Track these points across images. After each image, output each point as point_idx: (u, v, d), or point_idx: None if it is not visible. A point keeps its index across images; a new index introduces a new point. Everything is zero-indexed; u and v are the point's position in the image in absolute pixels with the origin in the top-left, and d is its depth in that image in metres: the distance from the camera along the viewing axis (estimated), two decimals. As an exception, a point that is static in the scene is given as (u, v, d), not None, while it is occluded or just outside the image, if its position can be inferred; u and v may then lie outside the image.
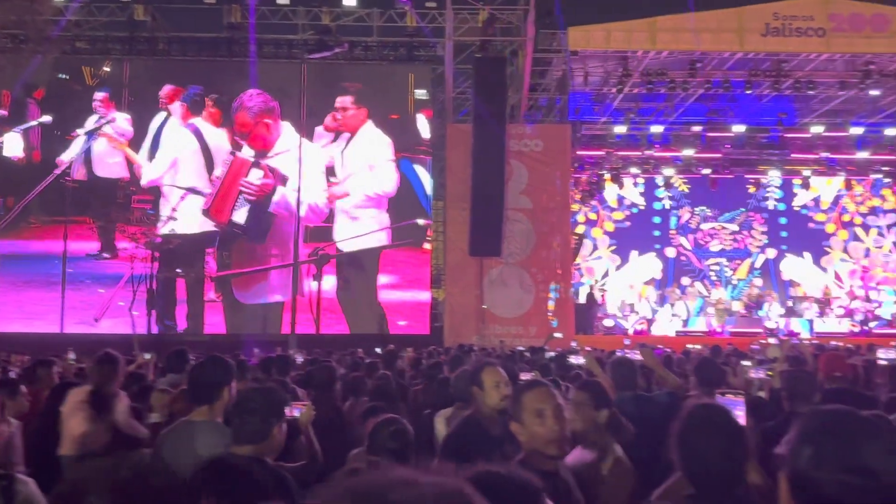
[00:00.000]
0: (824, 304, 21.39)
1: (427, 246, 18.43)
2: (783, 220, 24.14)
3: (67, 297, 17.63)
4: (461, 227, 17.22)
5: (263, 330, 17.03)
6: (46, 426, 4.16)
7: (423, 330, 17.59)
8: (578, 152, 21.21)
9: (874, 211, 24.21)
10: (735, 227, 23.90)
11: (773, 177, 23.48)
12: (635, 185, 24.01)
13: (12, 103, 18.30)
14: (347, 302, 17.74)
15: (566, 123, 18.64)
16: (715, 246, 23.79)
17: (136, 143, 18.24)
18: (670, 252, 23.91)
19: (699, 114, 21.52)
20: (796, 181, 23.83)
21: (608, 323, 20.57)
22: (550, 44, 18.20)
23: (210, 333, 17.33)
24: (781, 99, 20.68)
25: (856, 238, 24.02)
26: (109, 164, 18.21)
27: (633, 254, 23.96)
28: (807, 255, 23.89)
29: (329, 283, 17.83)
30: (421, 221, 18.16)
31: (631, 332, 20.02)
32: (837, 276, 23.58)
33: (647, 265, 23.86)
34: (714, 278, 23.23)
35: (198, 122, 18.17)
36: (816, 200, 24.14)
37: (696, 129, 21.24)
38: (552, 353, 9.80)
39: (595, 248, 23.96)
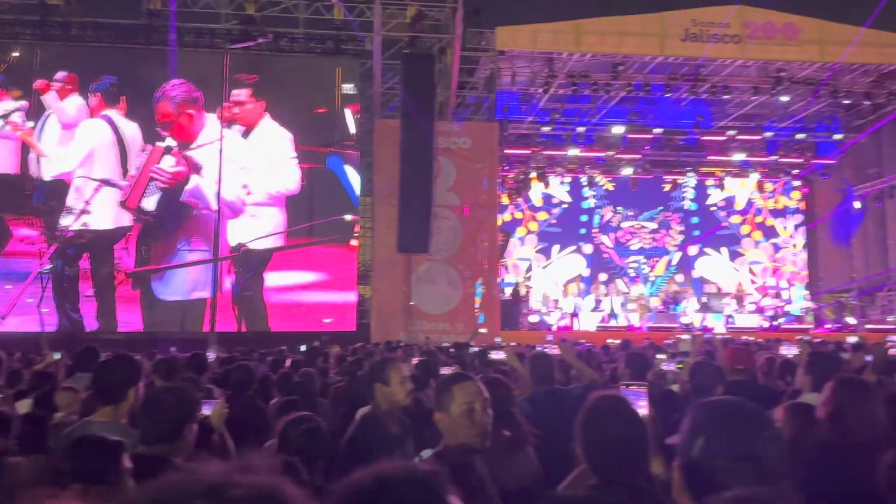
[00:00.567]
0: (737, 300, 22.36)
1: (354, 242, 18.27)
2: (698, 220, 25.15)
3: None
4: (389, 224, 17.13)
5: (183, 328, 16.51)
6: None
7: (350, 327, 17.43)
8: (506, 151, 21.47)
9: (784, 211, 25.53)
10: (654, 226, 24.72)
11: (690, 177, 24.42)
12: (562, 183, 24.54)
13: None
14: (242, 300, 17.35)
15: (494, 122, 18.78)
16: (635, 244, 24.55)
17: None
18: (593, 250, 24.53)
19: (621, 115, 22.13)
20: (709, 182, 24.85)
21: (533, 319, 20.88)
22: (479, 42, 18.33)
23: (125, 331, 16.68)
24: (698, 103, 21.50)
25: (767, 237, 25.27)
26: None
27: (558, 251, 24.47)
28: (722, 252, 24.95)
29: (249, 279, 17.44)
30: (348, 217, 17.98)
31: (555, 327, 20.42)
32: (751, 273, 24.76)
33: (571, 262, 24.39)
34: (634, 275, 23.98)
35: (112, 113, 17.43)
36: (731, 201, 25.23)
37: (618, 130, 21.84)
38: (475, 349, 9.89)
39: (521, 244, 24.36)
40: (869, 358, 4.99)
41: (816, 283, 24.70)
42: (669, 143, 22.81)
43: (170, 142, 17.36)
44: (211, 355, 7.58)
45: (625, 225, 24.57)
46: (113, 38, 17.84)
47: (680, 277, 23.23)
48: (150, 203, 17.13)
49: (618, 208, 24.51)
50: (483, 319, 17.71)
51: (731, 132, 22.07)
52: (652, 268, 24.32)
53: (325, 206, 17.79)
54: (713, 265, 24.87)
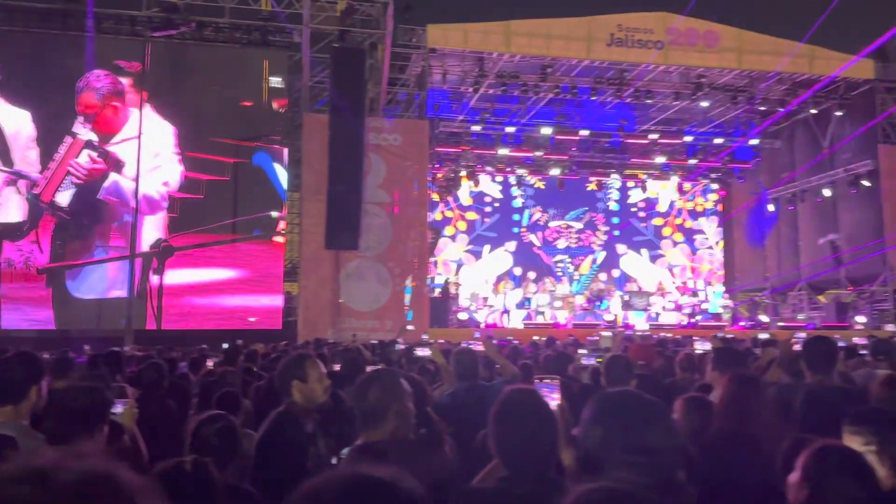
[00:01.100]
0: (658, 298, 23.10)
1: (280, 239, 17.95)
2: (618, 220, 25.89)
3: None
4: (317, 220, 16.86)
5: (98, 326, 15.85)
6: None
7: (276, 325, 17.11)
8: (437, 149, 21.52)
9: (702, 213, 26.55)
10: (580, 226, 25.32)
11: (615, 179, 25.12)
12: (494, 181, 24.81)
13: None
14: (162, 299, 16.77)
15: (424, 119, 18.76)
16: (561, 243, 25.07)
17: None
18: (522, 248, 24.85)
19: (549, 117, 22.54)
20: (630, 183, 25.65)
21: (462, 316, 21.00)
22: (410, 39, 18.29)
23: (38, 329, 15.88)
24: (623, 106, 22.11)
25: (686, 238, 26.24)
26: None
27: (488, 249, 24.71)
28: (642, 253, 25.77)
29: (172, 277, 16.89)
30: (275, 214, 17.64)
31: (483, 324, 20.62)
32: (671, 273, 25.65)
33: (500, 260, 24.66)
34: (560, 274, 24.48)
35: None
36: (653, 202, 26.08)
37: (546, 131, 22.23)
38: (402, 346, 9.90)
39: (453, 242, 24.48)
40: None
41: (732, 282, 25.80)
42: (595, 145, 23.38)
43: (90, 135, 16.62)
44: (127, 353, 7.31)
45: (552, 224, 25.06)
46: (26, 22, 16.93)
47: (603, 276, 23.82)
48: (63, 198, 16.35)
49: (547, 210, 24.97)
50: (412, 317, 17.67)
51: (654, 136, 22.79)
52: (577, 266, 24.88)
53: (250, 202, 17.40)
54: (636, 264, 25.65)
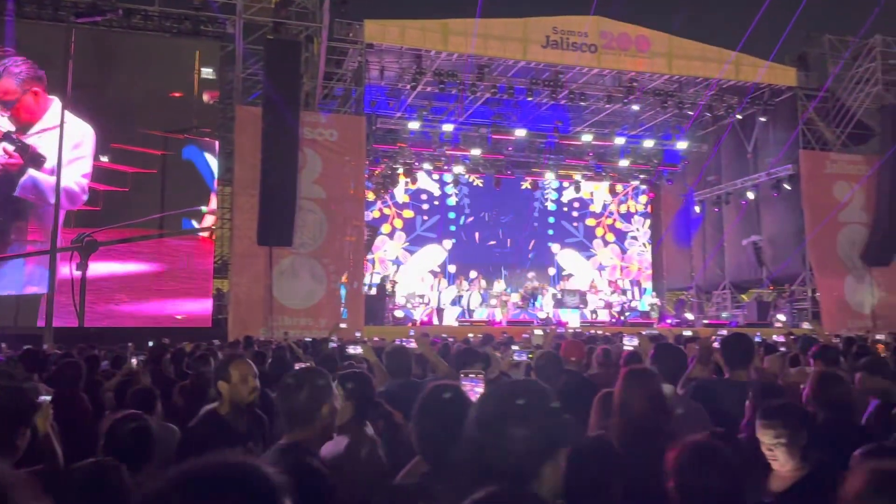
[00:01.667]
0: (591, 296, 23.59)
1: (209, 235, 17.50)
2: (555, 220, 26.32)
3: None
4: (249, 215, 16.52)
5: (15, 323, 15.12)
6: None
7: (205, 323, 16.69)
8: (374, 146, 21.40)
9: (633, 214, 27.26)
10: (515, 225, 25.63)
11: (550, 179, 25.54)
12: (431, 178, 24.82)
13: None
14: (84, 294, 16.10)
15: (361, 115, 18.63)
16: (497, 241, 25.34)
17: None
18: (458, 247, 24.97)
19: (486, 116, 22.73)
20: (565, 184, 26.13)
21: (399, 314, 20.93)
22: (347, 34, 18.10)
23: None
24: (558, 108, 22.48)
25: (617, 238, 26.91)
26: None
27: (425, 246, 24.73)
28: (577, 252, 26.29)
29: (96, 273, 16.24)
30: (204, 208, 17.20)
31: (418, 322, 20.64)
32: (599, 273, 26.24)
33: (436, 258, 24.72)
34: (496, 272, 24.67)
35: None
36: (587, 203, 26.63)
37: (483, 130, 22.39)
38: (335, 344, 9.84)
39: (391, 240, 24.40)
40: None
41: (660, 281, 26.60)
42: (531, 145, 23.69)
43: (6, 125, 15.80)
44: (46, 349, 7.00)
45: (488, 222, 25.29)
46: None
47: (531, 274, 24.16)
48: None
49: (481, 206, 25.17)
50: (347, 315, 17.52)
51: (587, 137, 23.25)
52: (513, 265, 25.17)
53: (179, 196, 16.91)
54: (569, 263, 26.14)
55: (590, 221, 26.62)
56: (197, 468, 1.02)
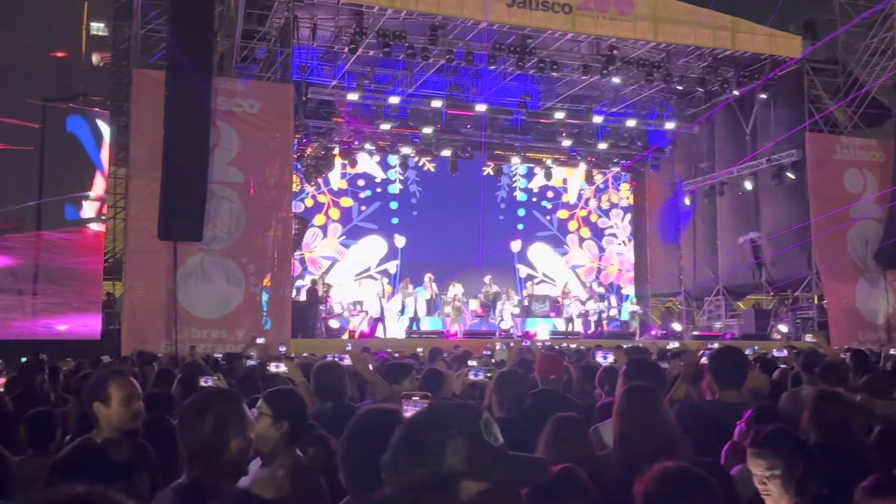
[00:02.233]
0: (561, 303, 23.76)
1: (98, 227, 17.11)
2: (523, 212, 26.45)
3: None
4: (149, 203, 16.11)
5: None
6: None
7: (93, 334, 16.29)
8: (304, 120, 21.16)
9: (612, 206, 27.54)
10: (475, 217, 25.65)
11: (516, 164, 25.64)
12: (378, 163, 24.77)
13: None
14: None
15: (289, 83, 18.36)
16: (450, 237, 25.33)
17: None
18: (406, 243, 24.96)
19: (440, 88, 22.66)
20: (537, 170, 26.31)
21: (334, 324, 20.82)
22: (271, -16, 17.88)
23: None
24: (525, 79, 22.54)
25: (594, 234, 27.17)
26: None
27: (365, 243, 24.60)
28: (547, 250, 26.45)
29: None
30: (92, 195, 16.81)
31: (357, 334, 20.47)
32: (576, 274, 26.45)
33: (378, 255, 24.72)
34: (453, 274, 24.66)
35: None
36: (559, 192, 26.80)
37: (437, 105, 22.32)
38: (253, 361, 9.75)
39: (324, 236, 24.19)
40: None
41: (644, 284, 26.96)
42: (493, 123, 23.73)
43: None
44: None
45: (442, 214, 25.27)
46: None
47: (488, 278, 24.19)
48: None
49: (435, 199, 25.14)
50: (271, 326, 17.30)
51: (559, 115, 23.38)
52: (471, 265, 25.18)
53: (61, 179, 16.50)
54: (540, 262, 26.30)
55: (562, 214, 26.84)
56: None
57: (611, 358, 6.73)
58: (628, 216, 27.63)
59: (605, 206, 27.48)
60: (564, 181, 26.96)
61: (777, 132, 22.10)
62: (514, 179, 26.56)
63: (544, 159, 25.75)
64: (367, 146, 23.60)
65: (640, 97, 23.94)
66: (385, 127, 22.51)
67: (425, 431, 1.59)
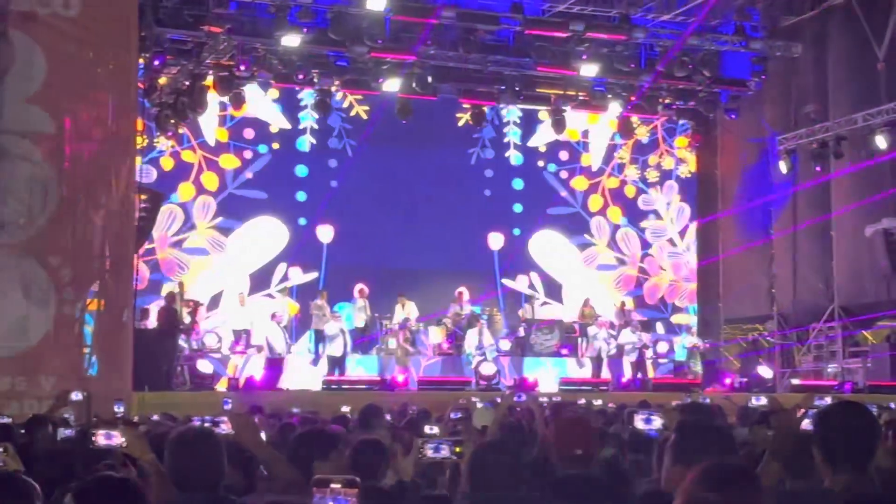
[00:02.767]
0: (578, 333, 23.77)
1: None
2: (519, 184, 26.49)
3: None
4: None
5: None
6: None
7: None
8: (157, 30, 21.03)
9: (663, 173, 27.63)
10: (440, 192, 25.66)
11: (507, 105, 25.57)
12: (273, 101, 24.92)
13: None
14: None
15: (130, -34, 18.32)
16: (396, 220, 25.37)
17: None
18: (325, 231, 25.02)
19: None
20: (541, 116, 26.34)
21: (204, 367, 20.75)
22: None
23: None
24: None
25: (631, 220, 27.27)
26: None
27: (254, 230, 24.61)
28: (556, 244, 26.52)
29: None
30: None
31: (241, 382, 20.71)
32: (606, 276, 26.53)
33: (276, 246, 24.87)
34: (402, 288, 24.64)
35: None
36: (576, 151, 26.84)
37: (376, 6, 22.20)
38: (70, 431, 9.64)
39: (187, 220, 24.10)
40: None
41: (713, 303, 27.09)
42: (469, 38, 23.65)
43: None
44: None
45: (386, 188, 25.22)
46: None
47: (460, 290, 24.15)
48: None
49: (375, 162, 25.10)
50: (98, 368, 17.28)
51: (577, 25, 23.38)
52: (433, 270, 25.15)
53: None
54: (543, 266, 26.35)
55: (578, 184, 26.88)
56: None
57: (657, 422, 6.76)
58: (686, 188, 27.74)
59: (650, 174, 27.58)
60: (584, 134, 26.98)
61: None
62: (504, 130, 26.52)
63: (552, 96, 25.75)
64: (262, 73, 23.45)
65: (708, -2, 24.06)
66: (291, 42, 22.41)
67: None
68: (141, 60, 19.95)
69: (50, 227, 17.37)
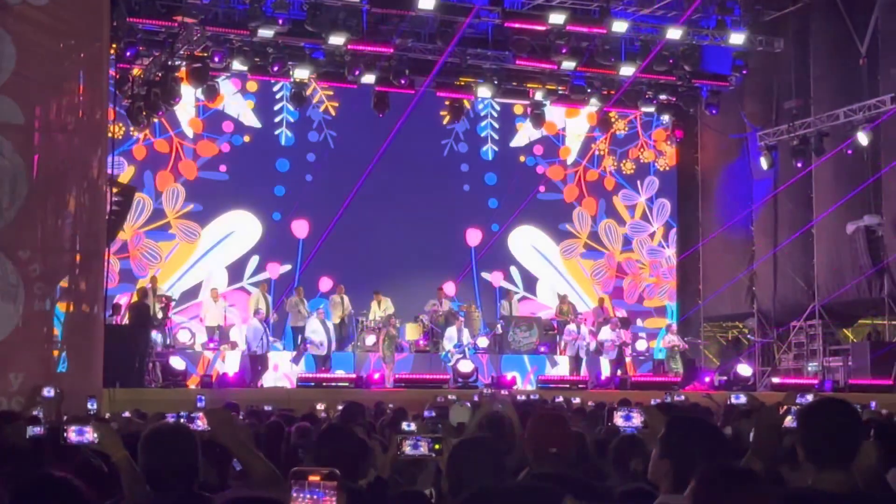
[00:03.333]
0: (556, 329, 23.76)
1: None
2: (495, 179, 26.53)
3: None
4: None
5: None
6: None
7: None
8: (128, 20, 20.95)
9: (641, 167, 27.64)
10: (415, 188, 25.64)
11: (485, 98, 25.57)
12: (244, 95, 24.77)
13: None
14: None
15: (101, -45, 18.21)
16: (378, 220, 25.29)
17: None
18: (301, 227, 25.07)
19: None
20: (517, 109, 26.43)
21: (177, 364, 20.68)
22: None
23: None
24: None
25: (611, 215, 27.27)
26: None
27: (228, 223, 24.63)
28: (534, 239, 26.52)
29: None
30: None
31: (213, 378, 20.61)
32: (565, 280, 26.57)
33: (254, 248, 24.81)
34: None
35: None
36: (552, 145, 26.83)
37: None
38: (38, 428, 9.62)
39: (159, 211, 24.00)
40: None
41: (691, 300, 27.16)
42: (446, 29, 23.59)
43: None
44: None
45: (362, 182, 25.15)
46: None
47: (447, 286, 24.15)
48: None
49: (351, 157, 25.05)
50: (68, 365, 17.19)
51: (557, 17, 23.35)
52: (408, 268, 25.11)
53: None
54: (521, 263, 26.34)
55: (554, 172, 27.01)
56: None
57: (637, 420, 6.77)
58: (666, 183, 27.78)
59: (627, 168, 27.60)
60: (562, 128, 27.03)
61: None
62: (482, 124, 26.52)
63: (531, 90, 25.74)
64: (236, 65, 23.39)
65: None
66: (266, 33, 22.37)
67: None
68: (113, 51, 19.79)
69: (19, 220, 17.22)
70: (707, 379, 23.42)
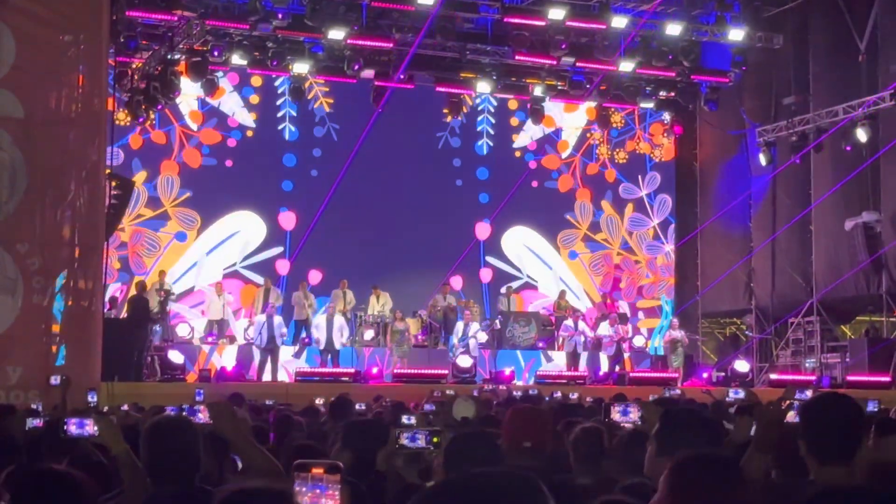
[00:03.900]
0: (555, 326, 23.75)
1: None
2: (487, 173, 26.63)
3: None
4: None
5: None
6: None
7: None
8: (126, 14, 20.94)
9: (640, 164, 27.63)
10: (414, 182, 25.63)
11: (484, 95, 25.56)
12: (245, 86, 24.71)
13: None
14: None
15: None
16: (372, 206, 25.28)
17: None
18: (288, 218, 25.14)
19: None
20: (513, 104, 26.39)
21: (176, 358, 20.65)
22: None
23: None
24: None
25: (610, 210, 27.27)
26: None
27: (234, 220, 24.60)
28: (533, 237, 26.51)
29: None
30: None
31: (213, 373, 20.44)
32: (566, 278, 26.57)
33: (258, 242, 24.85)
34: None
35: None
36: (550, 140, 26.83)
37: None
38: (38, 420, 9.64)
39: (154, 200, 23.95)
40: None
41: (690, 295, 27.20)
42: (446, 25, 23.58)
43: None
44: None
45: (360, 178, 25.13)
46: None
47: (455, 281, 24.16)
48: None
49: (349, 153, 25.02)
50: (63, 360, 17.20)
51: (556, 13, 23.32)
52: (409, 263, 25.09)
53: None
54: (519, 259, 26.33)
55: (549, 162, 27.09)
56: None
57: (634, 415, 6.77)
58: (665, 180, 27.78)
59: (620, 158, 27.65)
60: (560, 121, 27.01)
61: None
62: (478, 119, 26.53)
63: (530, 85, 25.74)
64: (235, 59, 23.38)
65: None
66: (266, 27, 22.34)
67: None
68: (112, 45, 19.79)
69: (18, 213, 17.26)
70: (704, 375, 23.42)
